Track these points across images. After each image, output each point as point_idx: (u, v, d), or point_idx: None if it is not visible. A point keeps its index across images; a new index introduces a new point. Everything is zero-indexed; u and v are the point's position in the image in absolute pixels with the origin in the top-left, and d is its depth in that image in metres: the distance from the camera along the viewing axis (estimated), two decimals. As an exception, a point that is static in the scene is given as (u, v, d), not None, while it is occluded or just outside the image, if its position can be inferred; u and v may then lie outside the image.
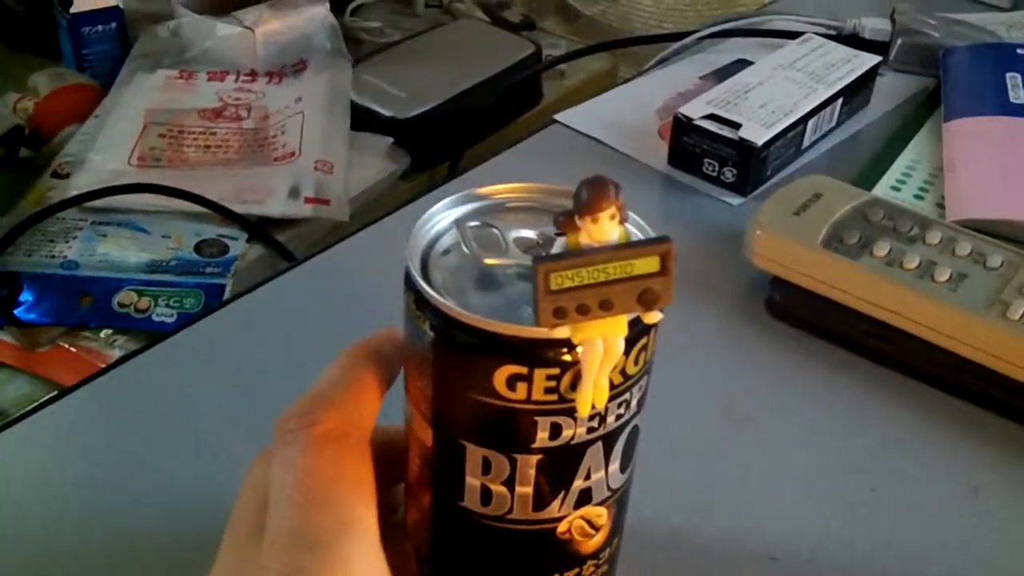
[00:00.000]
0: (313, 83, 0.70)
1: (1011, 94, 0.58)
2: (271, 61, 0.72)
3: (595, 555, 0.28)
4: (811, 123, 0.56)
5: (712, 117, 0.53)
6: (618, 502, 0.28)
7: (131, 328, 0.53)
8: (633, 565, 0.31)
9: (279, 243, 0.58)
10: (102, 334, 0.53)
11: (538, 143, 0.59)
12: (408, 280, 0.25)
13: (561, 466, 0.25)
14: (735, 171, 0.53)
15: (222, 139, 0.65)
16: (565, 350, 0.23)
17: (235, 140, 0.65)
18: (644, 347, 0.25)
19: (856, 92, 0.60)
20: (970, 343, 0.41)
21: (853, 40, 0.65)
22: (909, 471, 0.40)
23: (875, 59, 0.60)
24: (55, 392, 0.43)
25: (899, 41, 0.65)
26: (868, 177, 0.55)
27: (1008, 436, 0.41)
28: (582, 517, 0.26)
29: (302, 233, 0.59)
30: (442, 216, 0.27)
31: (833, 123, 0.59)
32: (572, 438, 0.25)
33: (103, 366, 0.46)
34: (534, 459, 0.25)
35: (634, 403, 0.26)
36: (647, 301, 0.22)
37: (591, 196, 0.22)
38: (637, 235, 0.25)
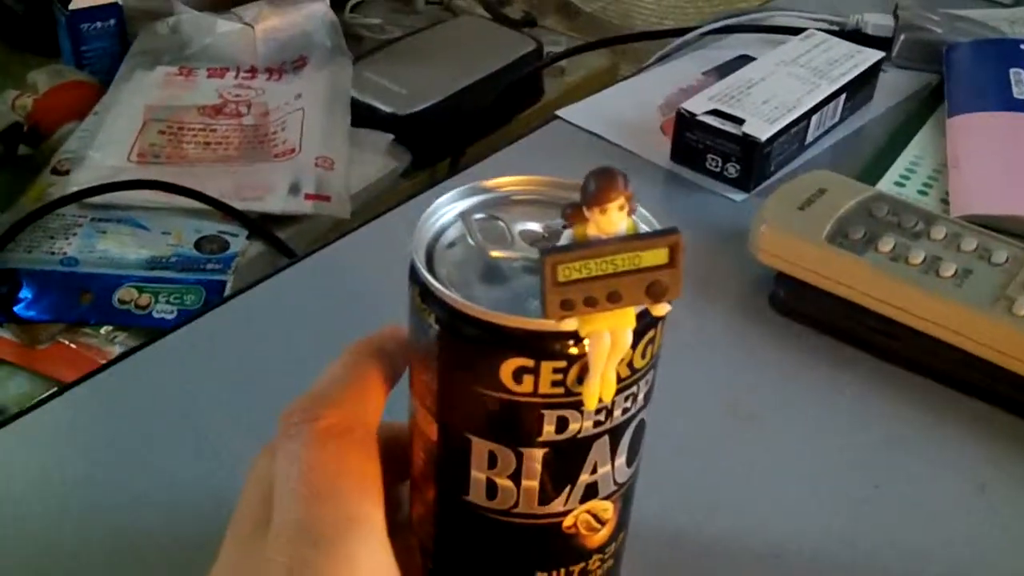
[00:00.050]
0: (313, 80, 0.70)
1: (1015, 90, 0.58)
2: (271, 58, 0.72)
3: (601, 549, 0.27)
4: (814, 119, 0.56)
5: (715, 112, 0.53)
6: (624, 496, 0.27)
7: (131, 325, 0.53)
8: (637, 562, 0.31)
9: (280, 240, 0.57)
10: (102, 331, 0.52)
11: (540, 139, 0.59)
12: (413, 273, 0.24)
13: (567, 460, 0.25)
14: (738, 167, 0.53)
15: (222, 136, 0.65)
16: (572, 343, 0.23)
17: (235, 137, 0.65)
18: (651, 340, 0.25)
19: (859, 88, 0.59)
20: (975, 339, 0.41)
21: (856, 36, 0.64)
22: (914, 468, 0.40)
23: (878, 55, 0.60)
24: (55, 389, 0.43)
25: (902, 37, 0.65)
26: (872, 173, 0.55)
27: (1014, 432, 0.41)
28: (588, 511, 0.26)
29: (303, 230, 0.59)
30: (447, 209, 0.26)
31: (836, 119, 0.59)
32: (578, 432, 0.24)
33: (103, 363, 0.45)
34: (540, 453, 0.25)
35: (641, 397, 0.26)
36: (655, 293, 0.22)
37: (600, 186, 0.21)
38: (644, 227, 0.24)
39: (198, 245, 0.56)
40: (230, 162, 0.62)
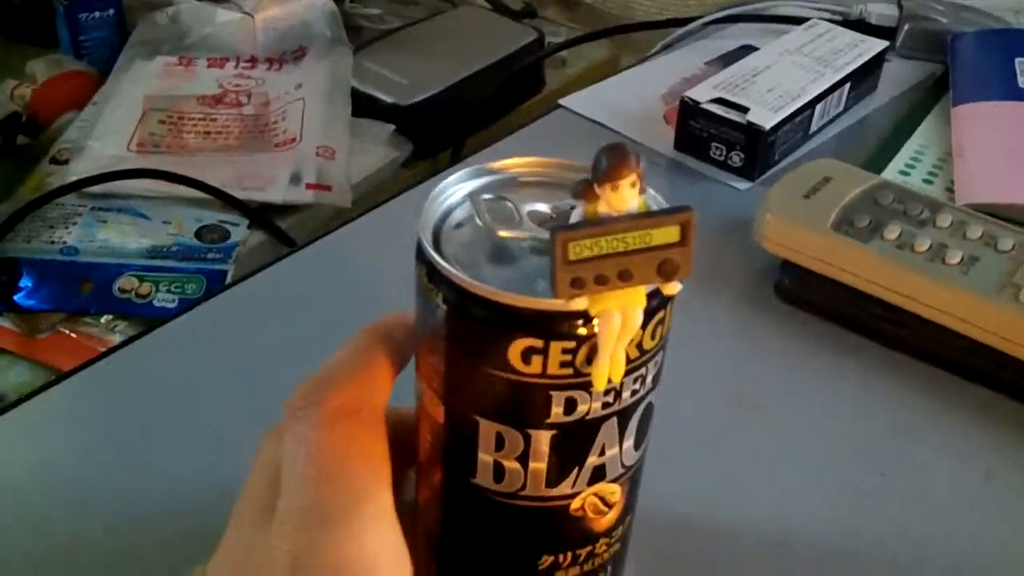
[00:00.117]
0: (313, 70, 0.70)
1: (1020, 79, 0.58)
2: (271, 48, 0.72)
3: (608, 533, 0.27)
4: (819, 107, 0.56)
5: (719, 101, 0.53)
6: (632, 479, 0.27)
7: (132, 314, 0.52)
8: (643, 549, 0.31)
9: (280, 229, 0.57)
10: (103, 320, 0.52)
11: (542, 128, 0.59)
12: (420, 252, 0.24)
13: (575, 442, 0.25)
14: (743, 155, 0.53)
15: (222, 125, 0.64)
16: (581, 323, 0.23)
17: (235, 126, 0.64)
18: (661, 321, 0.24)
19: (863, 77, 0.59)
20: (981, 326, 0.41)
21: (860, 26, 0.64)
22: (919, 455, 0.39)
23: (882, 44, 0.60)
24: (55, 378, 0.43)
25: (906, 27, 0.65)
26: (876, 162, 0.55)
27: (1019, 420, 0.41)
28: (596, 494, 0.26)
29: (304, 219, 0.59)
30: (455, 189, 0.26)
31: (840, 108, 0.58)
32: (587, 413, 0.24)
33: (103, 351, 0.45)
34: (548, 435, 0.24)
35: (649, 379, 0.25)
36: (666, 272, 0.22)
37: (612, 163, 0.21)
38: (655, 206, 0.24)
39: (199, 234, 0.56)
40: (230, 152, 0.62)
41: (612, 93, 0.61)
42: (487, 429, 0.24)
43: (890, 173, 0.54)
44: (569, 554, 0.27)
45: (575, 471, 0.25)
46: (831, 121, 0.58)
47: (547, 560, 0.27)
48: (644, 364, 0.25)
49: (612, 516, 0.27)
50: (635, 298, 0.22)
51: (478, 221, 0.25)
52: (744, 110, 0.52)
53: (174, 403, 0.40)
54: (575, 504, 0.26)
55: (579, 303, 0.22)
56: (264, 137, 0.64)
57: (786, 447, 0.39)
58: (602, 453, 0.25)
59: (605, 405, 0.24)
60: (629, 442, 0.26)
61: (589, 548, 0.27)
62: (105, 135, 0.62)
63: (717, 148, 0.53)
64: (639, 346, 0.24)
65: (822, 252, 0.44)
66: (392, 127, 0.66)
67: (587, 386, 0.24)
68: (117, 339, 0.51)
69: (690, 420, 0.39)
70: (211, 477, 0.36)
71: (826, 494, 0.38)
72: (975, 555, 0.36)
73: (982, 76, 0.59)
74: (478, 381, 0.24)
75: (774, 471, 0.38)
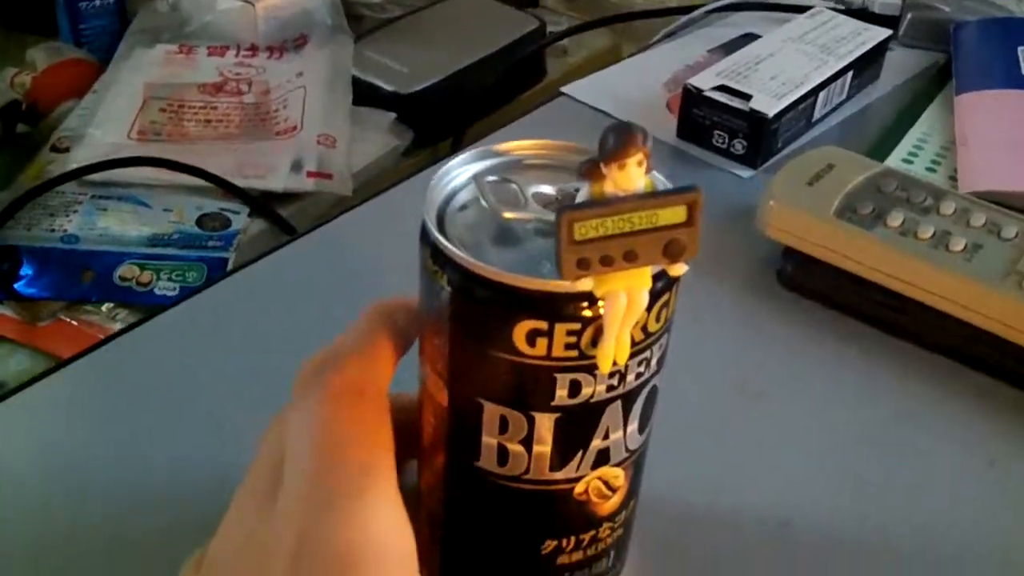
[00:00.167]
0: (314, 58, 0.69)
1: (1023, 67, 0.57)
2: (272, 36, 0.72)
3: (611, 517, 0.27)
4: (822, 95, 0.55)
5: (722, 88, 0.53)
6: (635, 463, 0.27)
7: (133, 302, 0.52)
8: (646, 536, 0.31)
9: (281, 217, 0.57)
10: (103, 308, 0.52)
11: (544, 115, 0.58)
12: (424, 234, 0.24)
13: (579, 425, 0.25)
14: (745, 143, 0.53)
15: (223, 113, 0.64)
16: (586, 304, 0.23)
17: (236, 114, 0.64)
18: (666, 303, 0.24)
19: (866, 66, 0.59)
20: (985, 313, 0.41)
21: (862, 15, 0.64)
22: (922, 443, 0.39)
23: (885, 32, 0.60)
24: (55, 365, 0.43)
25: (909, 16, 0.65)
26: (879, 150, 0.55)
27: (1022, 407, 0.41)
28: (599, 478, 0.26)
29: (305, 207, 0.59)
30: (459, 171, 0.26)
31: (843, 96, 0.58)
32: (591, 396, 0.24)
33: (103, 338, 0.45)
34: (552, 418, 0.24)
35: (654, 362, 0.25)
36: (673, 252, 0.22)
37: (619, 142, 0.21)
38: (661, 186, 0.24)
39: (200, 222, 0.56)
40: (231, 140, 0.62)
41: (614, 81, 0.61)
42: (491, 412, 0.24)
43: (893, 162, 0.54)
44: (572, 538, 0.27)
45: (579, 455, 0.25)
46: (834, 109, 0.58)
47: (550, 544, 0.27)
48: (649, 347, 0.24)
49: (616, 500, 0.27)
50: (641, 279, 0.22)
51: (483, 203, 0.25)
52: (747, 98, 0.52)
53: (174, 390, 0.40)
54: (579, 488, 0.26)
55: (584, 284, 0.22)
56: (265, 125, 0.63)
57: (788, 434, 0.39)
58: (606, 437, 0.25)
59: (610, 388, 0.24)
60: (633, 426, 0.26)
61: (592, 532, 0.27)
62: (105, 123, 0.62)
63: (720, 136, 0.53)
64: (644, 328, 0.24)
65: (825, 239, 0.44)
66: (393, 115, 0.66)
67: (592, 369, 0.23)
68: (118, 327, 0.50)
69: (693, 407, 0.39)
70: (211, 464, 0.36)
71: (828, 481, 0.38)
72: (978, 542, 0.36)
73: (985, 65, 0.59)
74: (482, 364, 0.24)
75: (776, 458, 0.38)
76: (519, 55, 0.72)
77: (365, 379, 0.25)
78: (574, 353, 0.23)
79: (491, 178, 0.26)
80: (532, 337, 0.23)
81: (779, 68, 0.54)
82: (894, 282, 0.42)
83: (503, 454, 0.25)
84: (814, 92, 0.54)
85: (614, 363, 0.23)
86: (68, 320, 0.52)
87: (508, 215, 0.25)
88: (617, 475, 0.26)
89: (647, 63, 0.64)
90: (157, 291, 0.53)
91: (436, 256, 0.24)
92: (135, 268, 0.53)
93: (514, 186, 0.26)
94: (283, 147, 0.61)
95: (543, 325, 0.23)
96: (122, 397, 0.40)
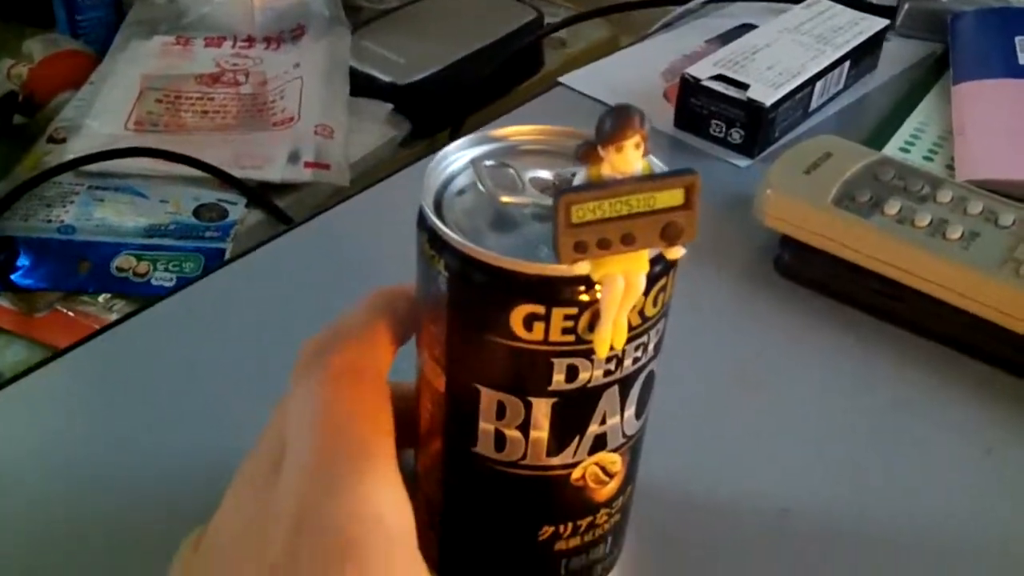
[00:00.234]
0: (311, 49, 0.69)
1: (1020, 57, 0.57)
2: (269, 27, 0.71)
3: (608, 503, 0.27)
4: (819, 85, 0.55)
5: (720, 78, 0.53)
6: (632, 449, 0.27)
7: (130, 293, 0.52)
8: (643, 523, 0.31)
9: (278, 208, 0.57)
10: (100, 299, 0.52)
11: (541, 106, 0.58)
12: (422, 219, 0.24)
13: (576, 410, 0.25)
14: (743, 132, 0.53)
15: (220, 104, 0.64)
16: (583, 288, 0.23)
17: (233, 105, 0.64)
18: (663, 288, 0.24)
19: (863, 55, 0.59)
20: (982, 301, 0.41)
21: (859, 4, 0.64)
22: (919, 431, 0.39)
23: (883, 22, 0.60)
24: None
25: (906, 6, 0.65)
26: (877, 139, 0.55)
27: (1020, 395, 0.41)
28: (596, 463, 0.26)
29: (302, 198, 0.59)
30: (456, 156, 0.26)
31: (840, 86, 0.58)
32: (588, 381, 0.24)
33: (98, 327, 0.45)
34: (549, 403, 0.24)
35: (651, 347, 0.25)
36: (670, 235, 0.22)
37: (616, 124, 0.21)
38: (659, 169, 0.24)
39: (197, 213, 0.56)
40: (228, 131, 0.62)
41: (612, 71, 0.61)
42: (488, 398, 0.24)
43: (890, 151, 0.54)
44: (570, 524, 0.27)
45: (576, 440, 0.25)
46: (831, 99, 0.58)
47: (548, 530, 0.27)
48: (646, 331, 0.24)
49: (613, 486, 0.27)
50: (638, 263, 0.22)
51: (480, 187, 0.25)
52: (744, 87, 0.52)
53: (171, 380, 0.40)
54: (576, 473, 0.26)
55: (582, 267, 0.22)
56: (262, 116, 0.63)
57: (785, 422, 0.39)
58: (603, 422, 0.25)
59: (607, 373, 0.24)
60: (630, 411, 0.26)
61: (590, 518, 0.27)
62: (102, 114, 0.62)
63: (717, 125, 0.53)
64: (641, 313, 0.24)
65: (822, 227, 0.44)
66: (390, 106, 0.66)
67: (589, 353, 0.23)
68: (115, 318, 0.50)
69: (690, 396, 0.39)
70: (208, 453, 0.36)
71: (826, 469, 0.38)
72: (975, 530, 0.36)
73: (982, 54, 0.59)
74: (480, 349, 0.24)
75: (773, 445, 0.38)
76: (516, 46, 0.72)
77: (365, 362, 0.25)
78: (571, 338, 0.23)
79: (488, 163, 0.26)
80: (529, 322, 0.23)
81: (776, 58, 0.54)
82: (891, 270, 0.42)
83: (500, 440, 0.25)
84: (811, 82, 0.54)
85: (611, 348, 0.23)
86: (65, 311, 0.52)
87: (505, 200, 0.25)
88: (614, 461, 0.26)
89: (645, 53, 0.64)
90: (154, 281, 0.52)
91: (433, 241, 0.24)
92: (132, 259, 0.53)
93: (511, 171, 0.26)
94: (280, 138, 0.61)
95: (540, 309, 0.23)
96: (119, 387, 0.40)
